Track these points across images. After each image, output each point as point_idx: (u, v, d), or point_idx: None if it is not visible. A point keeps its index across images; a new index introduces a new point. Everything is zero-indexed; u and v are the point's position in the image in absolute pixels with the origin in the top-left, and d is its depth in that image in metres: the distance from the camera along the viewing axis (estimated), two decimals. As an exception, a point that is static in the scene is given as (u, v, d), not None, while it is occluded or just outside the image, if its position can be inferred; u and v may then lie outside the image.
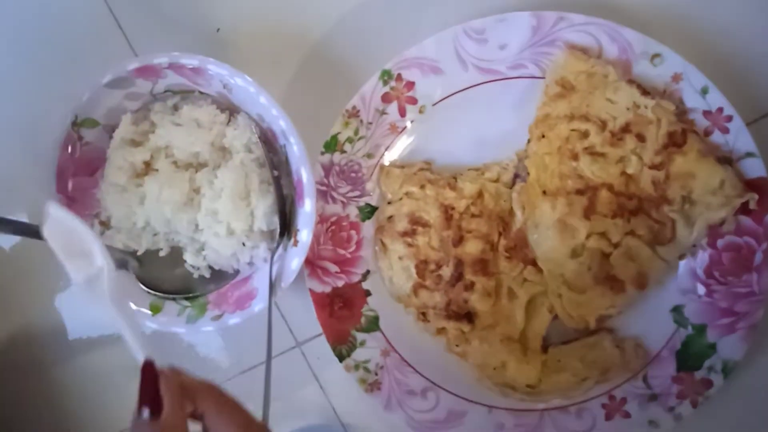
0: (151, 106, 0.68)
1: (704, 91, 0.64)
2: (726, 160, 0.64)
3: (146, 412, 0.42)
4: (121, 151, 0.66)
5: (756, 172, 0.64)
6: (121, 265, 0.68)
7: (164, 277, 0.68)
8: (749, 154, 0.64)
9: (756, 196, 0.63)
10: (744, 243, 0.65)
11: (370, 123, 0.69)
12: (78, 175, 0.67)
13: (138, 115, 0.67)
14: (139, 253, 0.67)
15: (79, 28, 0.75)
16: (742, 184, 0.63)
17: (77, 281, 0.47)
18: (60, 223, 0.46)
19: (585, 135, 0.65)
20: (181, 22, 0.74)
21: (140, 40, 0.74)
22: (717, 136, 0.65)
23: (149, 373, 0.43)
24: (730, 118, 0.64)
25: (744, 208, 0.64)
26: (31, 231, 0.63)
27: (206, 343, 0.74)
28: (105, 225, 0.68)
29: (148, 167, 0.67)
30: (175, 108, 0.68)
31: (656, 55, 0.65)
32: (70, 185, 0.67)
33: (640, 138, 0.64)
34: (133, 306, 0.66)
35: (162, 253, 0.68)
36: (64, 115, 0.64)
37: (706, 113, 0.65)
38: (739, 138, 0.64)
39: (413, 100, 0.69)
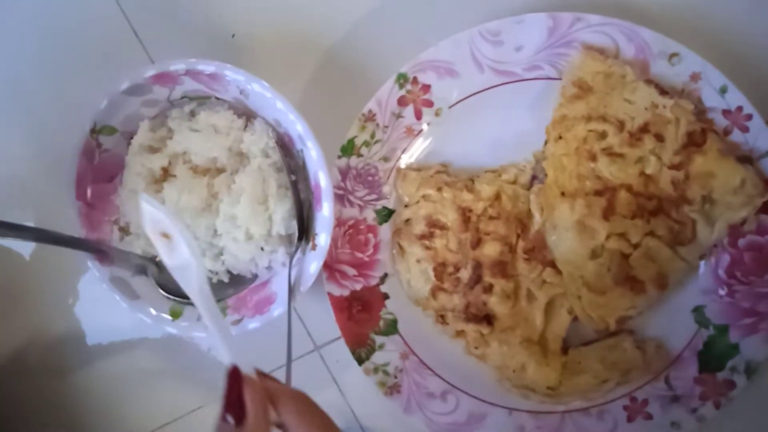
0: (169, 112, 0.68)
1: (723, 90, 0.64)
2: (746, 159, 0.64)
3: (230, 419, 0.41)
4: (139, 157, 0.67)
5: (777, 170, 0.63)
6: (140, 270, 0.68)
7: (183, 282, 0.68)
8: (770, 153, 0.64)
9: (777, 195, 0.62)
10: (766, 242, 0.64)
11: (387, 126, 0.69)
12: (97, 181, 0.67)
13: (155, 122, 0.68)
14: (158, 259, 0.68)
15: (96, 36, 0.75)
16: (763, 183, 0.63)
17: (168, 265, 0.46)
18: (152, 214, 0.46)
19: (603, 136, 0.65)
20: (197, 28, 0.74)
21: (156, 48, 0.75)
22: (737, 135, 0.64)
23: (234, 379, 0.42)
24: (749, 117, 0.63)
25: (765, 206, 0.63)
26: (51, 238, 0.64)
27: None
28: (124, 231, 0.69)
29: (166, 173, 0.67)
30: (192, 114, 0.68)
31: (674, 55, 0.65)
32: (89, 192, 0.67)
33: (659, 138, 0.64)
34: (153, 311, 0.67)
35: (181, 259, 0.68)
36: (83, 123, 0.65)
37: (726, 112, 0.64)
38: (759, 137, 0.63)
39: (429, 103, 0.69)
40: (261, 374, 0.45)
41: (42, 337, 0.76)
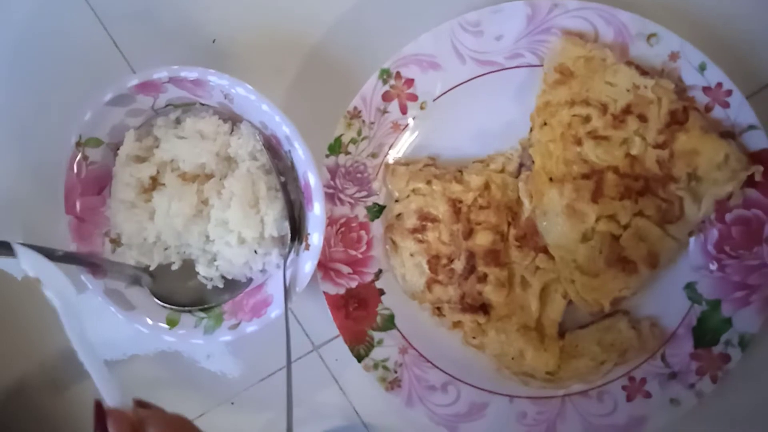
0: (154, 121, 0.68)
1: (702, 68, 0.65)
2: (729, 134, 0.64)
3: None
4: (127, 167, 0.66)
5: (759, 144, 0.64)
6: (134, 281, 0.68)
7: (178, 290, 0.68)
8: (751, 127, 0.64)
9: (761, 168, 0.63)
10: (752, 215, 0.65)
11: (373, 123, 0.69)
12: (85, 194, 0.67)
13: (141, 131, 0.68)
14: (151, 268, 0.68)
15: (76, 48, 0.75)
16: (747, 157, 0.64)
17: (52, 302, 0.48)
18: (28, 258, 0.48)
19: (587, 119, 0.66)
20: (176, 35, 0.74)
21: (137, 57, 0.74)
22: (718, 112, 0.65)
23: (99, 413, 0.45)
24: (729, 93, 0.64)
25: (750, 180, 0.64)
26: (42, 254, 0.64)
27: (220, 354, 0.75)
28: (116, 242, 0.69)
29: (155, 182, 0.67)
30: (178, 121, 0.68)
31: (652, 35, 0.65)
32: (78, 205, 0.67)
33: (642, 118, 0.64)
34: (149, 321, 0.66)
35: (174, 267, 0.68)
36: (68, 136, 0.64)
37: (706, 89, 0.65)
38: (740, 112, 0.64)
39: (414, 97, 0.69)
40: (139, 404, 0.46)
41: (37, 354, 0.76)
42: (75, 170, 0.66)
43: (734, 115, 0.64)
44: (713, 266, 0.66)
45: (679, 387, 0.66)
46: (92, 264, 0.66)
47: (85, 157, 0.66)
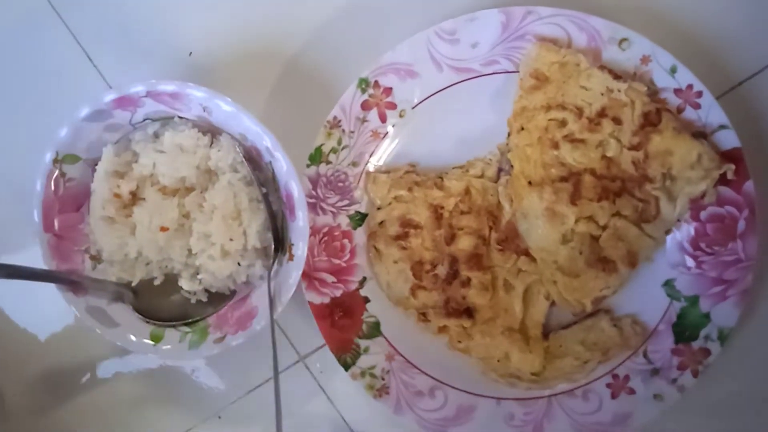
0: (132, 135, 0.67)
1: (673, 71, 0.66)
2: (700, 134, 0.66)
3: None
4: (105, 183, 0.66)
5: (730, 143, 0.66)
6: (116, 298, 0.67)
7: (161, 305, 0.67)
8: (722, 127, 0.66)
9: (733, 167, 0.65)
10: (726, 212, 0.66)
11: (353, 132, 0.69)
12: (64, 212, 0.66)
13: (119, 146, 0.67)
14: (133, 284, 0.67)
15: (51, 65, 0.74)
16: (719, 156, 0.65)
17: None
18: None
19: (563, 123, 0.67)
20: (153, 50, 0.74)
21: (113, 72, 0.74)
22: (689, 113, 0.66)
23: None
24: (700, 94, 0.66)
25: (723, 179, 0.65)
26: (22, 273, 0.63)
27: (205, 367, 0.74)
28: (96, 259, 0.68)
29: (135, 197, 0.67)
30: (156, 135, 0.67)
31: (624, 40, 0.67)
32: (56, 223, 0.66)
33: (617, 121, 0.66)
34: (133, 337, 0.66)
35: (156, 282, 0.68)
36: (44, 154, 0.64)
37: (677, 91, 0.66)
38: (710, 112, 0.66)
39: (392, 105, 0.69)
40: None
41: (19, 378, 0.75)
42: (52, 187, 0.65)
43: (705, 115, 0.66)
44: (690, 263, 0.68)
45: (661, 382, 0.67)
46: (72, 282, 0.65)
47: (62, 174, 0.65)
